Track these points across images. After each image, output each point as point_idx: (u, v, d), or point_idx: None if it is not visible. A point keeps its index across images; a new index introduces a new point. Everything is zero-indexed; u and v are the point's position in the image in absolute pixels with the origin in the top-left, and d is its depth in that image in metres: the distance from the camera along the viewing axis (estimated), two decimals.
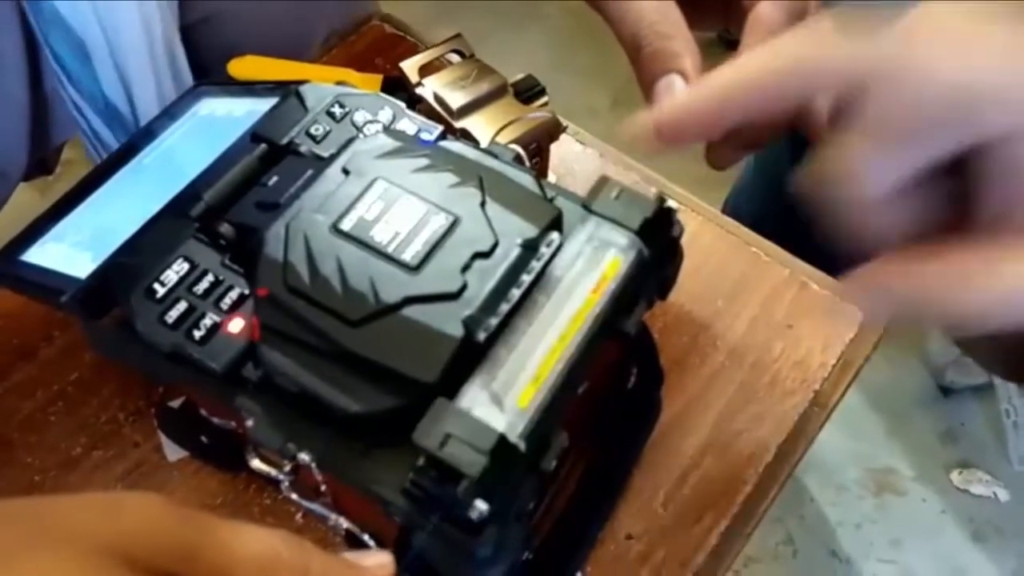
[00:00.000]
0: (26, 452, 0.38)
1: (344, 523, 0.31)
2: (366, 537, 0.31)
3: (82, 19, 0.41)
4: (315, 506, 0.30)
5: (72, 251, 0.33)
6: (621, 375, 0.37)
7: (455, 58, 0.41)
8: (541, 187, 0.31)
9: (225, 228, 0.31)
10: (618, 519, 0.36)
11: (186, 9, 0.48)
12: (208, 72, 0.48)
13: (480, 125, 0.38)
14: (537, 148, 0.39)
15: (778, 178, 0.71)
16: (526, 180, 0.31)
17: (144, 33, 0.42)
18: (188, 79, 0.46)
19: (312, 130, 0.34)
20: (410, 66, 0.41)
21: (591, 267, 0.29)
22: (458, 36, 0.42)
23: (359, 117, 0.34)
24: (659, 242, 0.31)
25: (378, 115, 0.34)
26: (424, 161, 0.30)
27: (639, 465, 0.37)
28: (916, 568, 0.88)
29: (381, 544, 0.31)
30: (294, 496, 0.29)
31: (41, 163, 0.52)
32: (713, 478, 0.37)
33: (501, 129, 0.38)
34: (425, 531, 0.25)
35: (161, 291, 0.29)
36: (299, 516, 0.35)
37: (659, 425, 0.37)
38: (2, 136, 0.47)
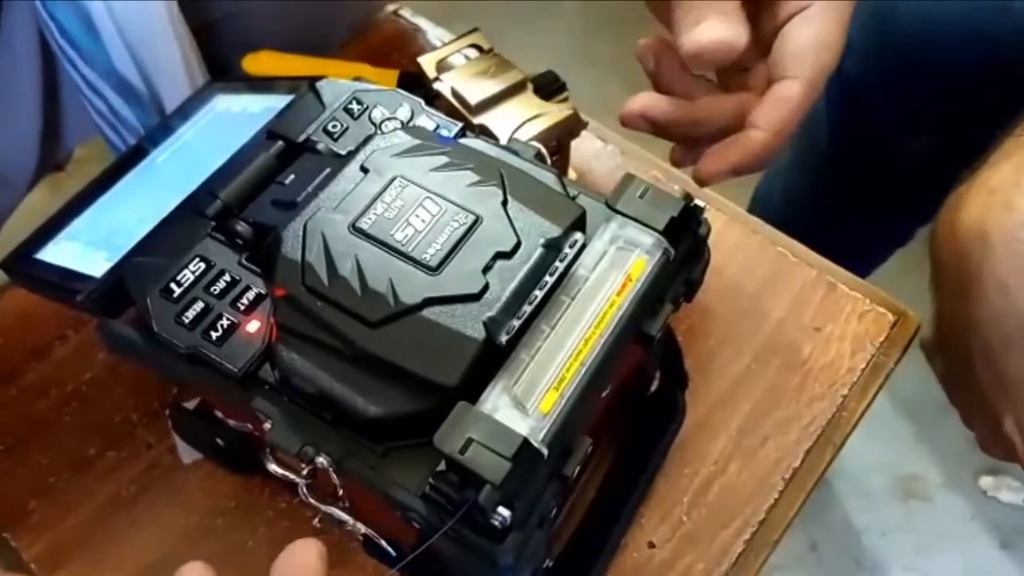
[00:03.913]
0: (40, 452, 0.37)
1: (362, 528, 0.30)
2: (383, 542, 0.31)
3: None
4: (332, 510, 0.29)
5: (87, 249, 0.33)
6: (644, 378, 0.36)
7: (473, 53, 0.40)
8: (564, 185, 0.30)
9: (241, 227, 0.30)
10: (641, 526, 0.35)
11: (207, 7, 0.47)
12: (230, 71, 0.47)
13: (499, 121, 0.37)
14: (557, 145, 0.39)
15: (816, 167, 0.71)
16: (548, 178, 0.30)
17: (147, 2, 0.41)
18: (193, 47, 0.45)
19: (329, 127, 0.33)
20: (428, 61, 0.40)
21: (615, 268, 0.28)
22: (476, 30, 0.41)
23: (377, 114, 0.33)
24: (685, 242, 0.30)
25: (396, 112, 0.34)
26: (444, 159, 0.30)
27: (662, 471, 0.36)
28: None
29: (399, 549, 0.31)
30: (311, 500, 0.28)
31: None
32: (738, 485, 0.36)
33: (521, 125, 0.37)
34: (444, 536, 0.25)
35: (177, 291, 0.29)
36: (316, 520, 0.34)
37: (683, 430, 0.37)
38: (11, 139, 0.46)
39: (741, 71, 0.35)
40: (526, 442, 0.24)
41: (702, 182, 0.34)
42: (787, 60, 0.32)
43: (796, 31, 0.33)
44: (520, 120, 0.37)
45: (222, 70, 0.48)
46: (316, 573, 0.24)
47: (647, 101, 0.34)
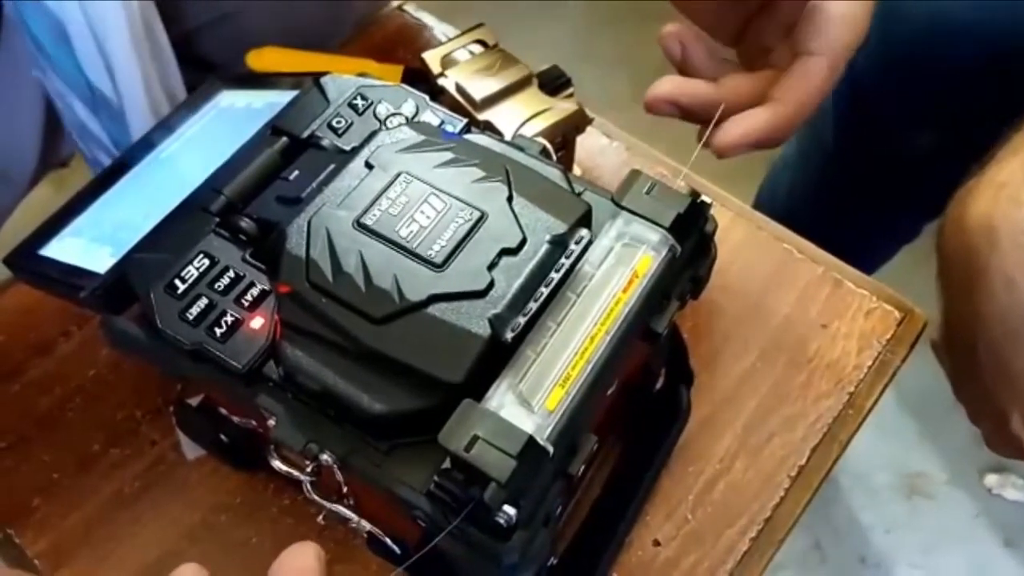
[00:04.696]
0: (43, 449, 0.37)
1: (366, 525, 0.30)
2: (388, 540, 0.31)
3: None
4: (337, 507, 0.29)
5: (91, 246, 0.33)
6: (650, 375, 0.36)
7: (478, 49, 0.40)
8: (569, 182, 0.30)
9: (246, 223, 0.30)
10: (645, 524, 0.35)
11: (202, 8, 0.47)
12: (233, 68, 0.47)
13: (504, 117, 0.37)
14: (563, 141, 0.38)
15: (822, 163, 0.71)
16: (554, 174, 0.30)
17: (123, 9, 0.40)
18: (170, 59, 0.44)
19: (334, 123, 0.33)
20: (432, 56, 0.40)
21: (621, 265, 0.28)
22: (481, 25, 0.41)
23: (382, 109, 0.33)
24: (692, 239, 0.30)
25: (401, 107, 0.33)
26: (449, 155, 0.29)
27: (667, 468, 0.36)
28: (947, 574, 0.86)
29: (403, 547, 0.31)
30: (315, 497, 0.28)
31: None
32: (744, 483, 0.36)
33: (526, 121, 0.37)
34: (449, 534, 0.25)
35: (181, 287, 0.28)
36: (320, 517, 0.34)
37: (688, 427, 0.37)
38: (11, 136, 0.46)
39: (764, 51, 0.35)
40: (531, 440, 0.23)
41: (720, 154, 0.33)
42: (811, 35, 0.32)
43: (822, 8, 0.32)
44: (525, 116, 0.37)
45: (224, 69, 0.47)
46: (315, 575, 0.24)
47: (672, 85, 0.34)
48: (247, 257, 0.29)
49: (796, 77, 0.32)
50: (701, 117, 0.35)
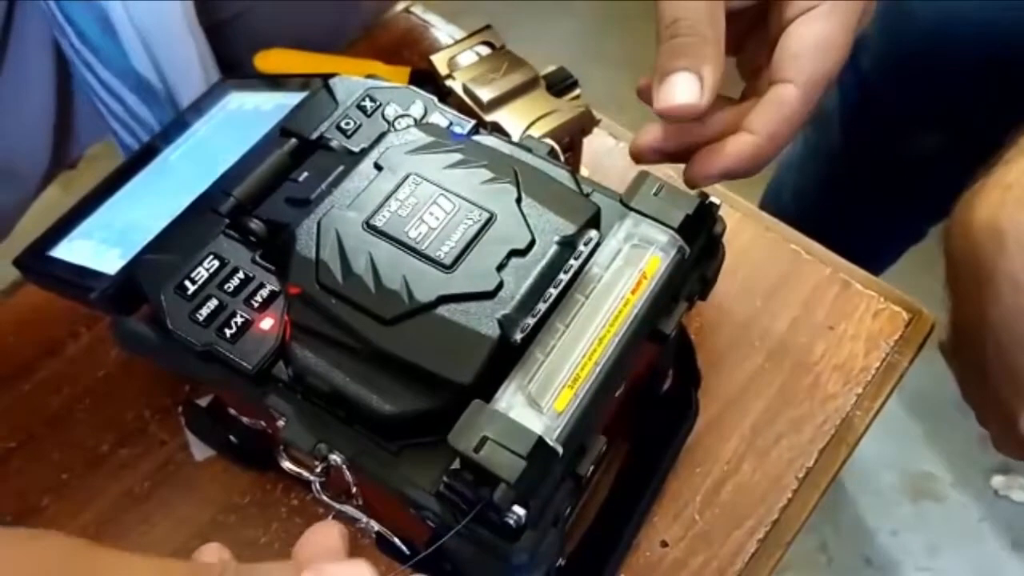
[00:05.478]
0: (53, 449, 0.37)
1: (375, 525, 0.30)
2: (397, 540, 0.31)
3: None
4: (346, 508, 0.29)
5: (100, 247, 0.33)
6: (657, 376, 0.36)
7: (485, 50, 0.40)
8: (578, 183, 0.30)
9: (255, 225, 0.30)
10: (653, 525, 0.35)
11: (218, 6, 0.47)
12: (241, 69, 0.47)
13: (511, 118, 0.37)
14: (570, 142, 0.38)
15: (828, 164, 0.70)
16: (562, 175, 0.30)
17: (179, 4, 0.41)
18: (208, 50, 0.45)
19: (343, 124, 0.33)
20: (440, 58, 0.40)
21: (630, 266, 0.28)
22: (488, 27, 0.41)
23: (390, 111, 0.33)
24: (700, 240, 0.30)
25: (409, 109, 0.33)
26: (458, 156, 0.29)
27: (675, 469, 0.36)
28: None
29: (412, 547, 0.31)
30: (325, 498, 0.28)
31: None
32: (751, 484, 0.36)
33: (533, 122, 0.37)
34: (458, 535, 0.25)
35: (192, 288, 0.29)
36: (329, 517, 0.34)
37: (696, 428, 0.37)
38: (20, 134, 0.46)
39: (757, 69, 0.34)
40: (541, 441, 0.24)
41: (691, 185, 0.33)
42: (787, 62, 0.31)
43: (798, 32, 0.31)
44: (532, 117, 0.37)
45: (233, 68, 0.48)
46: (339, 554, 0.24)
47: (656, 134, 0.33)
48: (257, 258, 0.29)
49: (768, 107, 0.31)
50: (688, 157, 0.34)
